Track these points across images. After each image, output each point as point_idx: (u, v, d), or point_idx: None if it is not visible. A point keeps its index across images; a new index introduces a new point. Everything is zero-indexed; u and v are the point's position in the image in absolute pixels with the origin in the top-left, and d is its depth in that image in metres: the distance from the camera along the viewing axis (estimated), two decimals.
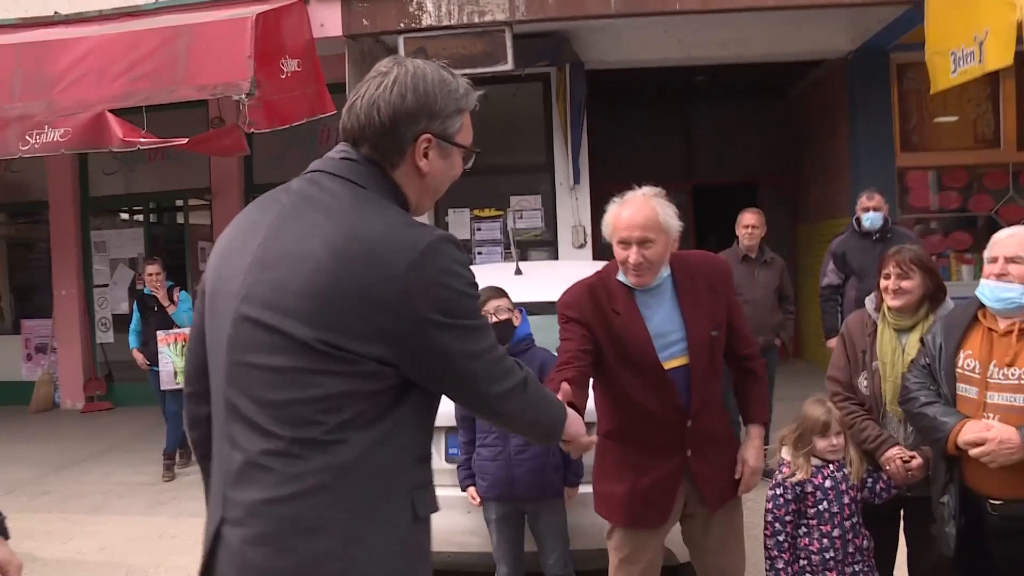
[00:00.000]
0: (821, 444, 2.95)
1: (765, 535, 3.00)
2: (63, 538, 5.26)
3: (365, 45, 7.24)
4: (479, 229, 9.09)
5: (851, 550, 2.93)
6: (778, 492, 2.98)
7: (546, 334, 3.35)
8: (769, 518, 2.99)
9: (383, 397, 1.50)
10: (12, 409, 9.29)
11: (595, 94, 8.62)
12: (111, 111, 5.86)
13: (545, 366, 3.25)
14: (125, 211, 9.82)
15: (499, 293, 3.34)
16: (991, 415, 2.53)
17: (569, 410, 1.86)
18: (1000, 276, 2.57)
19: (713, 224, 12.04)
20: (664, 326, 2.72)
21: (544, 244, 8.95)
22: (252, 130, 5.75)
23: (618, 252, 2.72)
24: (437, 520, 1.71)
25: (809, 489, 2.96)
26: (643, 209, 2.66)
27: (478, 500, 3.42)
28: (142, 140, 5.81)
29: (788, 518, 2.96)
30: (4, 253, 10.02)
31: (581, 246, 8.69)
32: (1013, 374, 2.51)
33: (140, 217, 9.64)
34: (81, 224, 9.48)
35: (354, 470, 1.48)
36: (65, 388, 9.45)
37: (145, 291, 6.67)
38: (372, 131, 1.58)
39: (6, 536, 2.39)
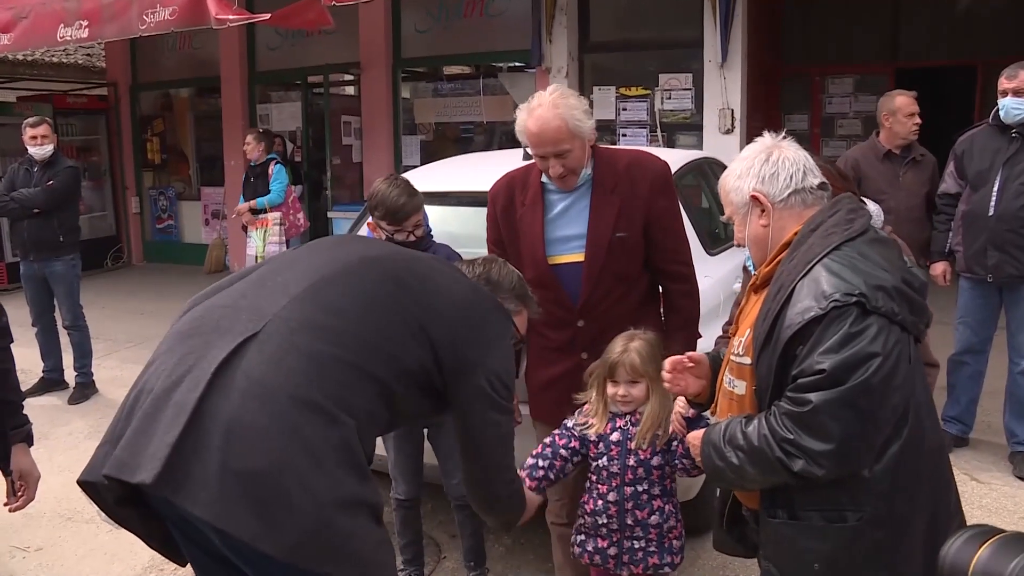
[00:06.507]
0: (610, 391, 2.42)
1: (530, 455, 2.49)
2: None
3: None
4: (624, 109, 8.46)
5: (630, 522, 2.43)
6: (563, 431, 2.51)
7: None
8: (547, 440, 2.50)
9: (419, 378, 1.84)
10: (194, 268, 10.15)
11: None
12: None
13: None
14: (284, 86, 10.17)
15: (420, 203, 2.92)
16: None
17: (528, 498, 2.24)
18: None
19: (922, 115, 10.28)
20: (565, 220, 2.65)
21: (693, 128, 8.18)
22: (333, 3, 5.59)
23: (539, 163, 2.62)
24: None
25: (592, 437, 2.45)
26: (552, 121, 2.50)
27: None
28: (231, 17, 5.86)
29: (563, 452, 2.46)
30: (191, 125, 10.82)
31: (728, 131, 7.81)
32: (736, 347, 1.88)
33: (298, 93, 9.94)
34: (248, 98, 9.94)
35: None
36: (233, 252, 10.12)
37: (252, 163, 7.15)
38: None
39: (30, 443, 2.45)
